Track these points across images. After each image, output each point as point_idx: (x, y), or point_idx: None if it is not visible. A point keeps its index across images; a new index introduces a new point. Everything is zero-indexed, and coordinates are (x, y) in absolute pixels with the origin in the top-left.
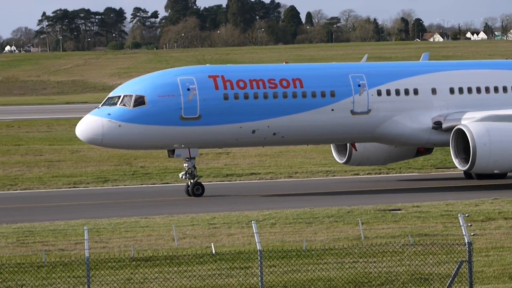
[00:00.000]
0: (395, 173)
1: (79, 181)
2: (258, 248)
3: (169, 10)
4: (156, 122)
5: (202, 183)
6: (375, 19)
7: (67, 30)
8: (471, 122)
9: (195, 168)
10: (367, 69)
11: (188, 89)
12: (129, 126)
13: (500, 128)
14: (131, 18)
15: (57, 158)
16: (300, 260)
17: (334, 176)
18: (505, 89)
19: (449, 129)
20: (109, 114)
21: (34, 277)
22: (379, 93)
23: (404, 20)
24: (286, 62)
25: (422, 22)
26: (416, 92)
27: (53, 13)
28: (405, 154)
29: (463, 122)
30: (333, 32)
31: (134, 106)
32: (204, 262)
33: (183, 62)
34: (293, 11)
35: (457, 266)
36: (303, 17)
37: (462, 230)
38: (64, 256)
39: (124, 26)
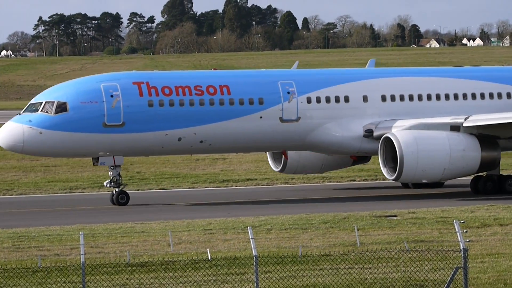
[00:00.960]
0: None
1: (75, 186)
2: (254, 254)
3: (166, 15)
4: (79, 129)
5: (127, 192)
6: (371, 25)
7: (63, 34)
8: (399, 131)
9: (120, 176)
10: (296, 76)
11: (112, 96)
12: (51, 133)
13: (428, 137)
14: (127, 23)
15: (53, 163)
16: (296, 266)
17: (330, 182)
18: (438, 97)
19: (380, 137)
20: (30, 121)
21: (29, 282)
22: (309, 100)
23: (400, 26)
24: (214, 69)
25: (419, 28)
26: (347, 99)
27: (49, 17)
28: (342, 162)
29: (393, 130)
30: (329, 38)
31: (56, 112)
32: (199, 267)
33: (180, 67)
34: (289, 17)
35: (452, 272)
36: (299, 23)
37: (457, 236)
38: (59, 261)
39: (121, 31)
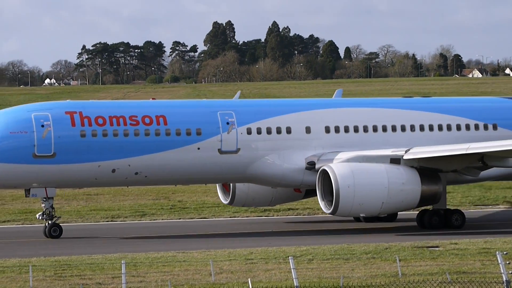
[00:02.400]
0: None
1: (117, 214)
2: (295, 284)
3: (208, 44)
4: (8, 159)
5: (60, 224)
6: (413, 55)
7: (106, 63)
8: (336, 163)
9: (53, 208)
10: (237, 106)
11: (43, 126)
12: None
13: (367, 170)
14: (170, 52)
15: (96, 191)
16: None
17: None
18: (384, 129)
19: None
20: None
21: None
22: (249, 131)
23: (443, 56)
24: (153, 98)
25: (461, 58)
26: (289, 130)
27: (92, 46)
28: (293, 195)
29: (333, 162)
30: (371, 67)
31: None
32: None
33: (222, 96)
34: (331, 46)
35: None
36: (341, 52)
37: (500, 268)
38: None
39: (163, 59)
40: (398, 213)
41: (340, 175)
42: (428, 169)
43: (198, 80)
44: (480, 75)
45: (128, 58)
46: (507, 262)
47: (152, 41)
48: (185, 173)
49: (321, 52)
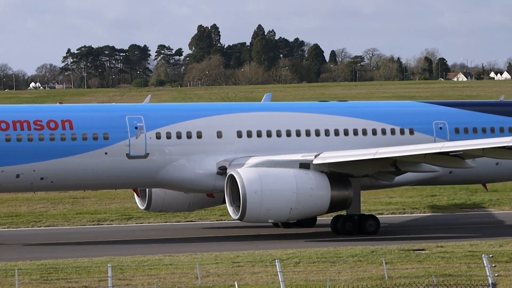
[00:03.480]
0: (419, 213)
1: (103, 218)
2: (281, 287)
3: (194, 48)
4: None
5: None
6: (398, 58)
7: (91, 67)
8: (243, 168)
9: None
10: (146, 110)
11: None
12: None
13: (275, 175)
14: (155, 56)
15: (82, 195)
16: None
17: None
18: (298, 133)
19: None
20: None
21: None
22: (158, 136)
23: (427, 60)
24: (60, 103)
25: (446, 61)
26: (199, 135)
27: (77, 50)
28: (211, 200)
29: (242, 167)
30: (357, 71)
31: None
32: None
33: (207, 99)
34: (317, 50)
35: None
36: (327, 56)
37: (486, 271)
38: None
39: (149, 63)
40: (318, 218)
41: (247, 180)
42: (338, 174)
43: (184, 84)
44: (465, 79)
45: (114, 62)
46: (493, 265)
47: (137, 44)
48: (92, 178)
49: (306, 55)
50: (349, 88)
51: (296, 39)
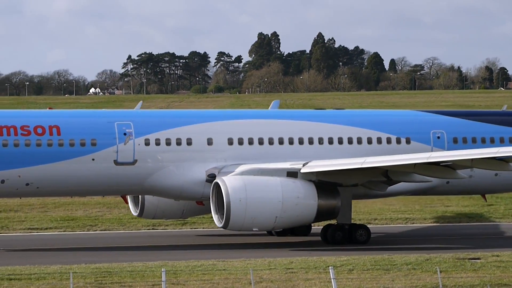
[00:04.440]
0: (476, 221)
1: (158, 223)
2: None
3: (253, 55)
4: None
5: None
6: (459, 67)
7: (151, 73)
8: (229, 176)
9: None
10: (136, 117)
11: None
12: None
13: (260, 183)
14: (215, 62)
15: None
16: None
17: (413, 223)
18: (291, 141)
19: None
20: None
21: None
22: (147, 142)
23: (488, 69)
24: (50, 108)
25: (507, 71)
26: (189, 142)
27: (138, 56)
28: (205, 207)
29: (228, 175)
30: (416, 80)
31: None
32: None
33: (265, 106)
34: (376, 58)
35: None
36: (386, 64)
37: None
38: None
39: (208, 70)
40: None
41: (232, 188)
42: (326, 183)
43: (242, 91)
44: None
45: (173, 68)
46: None
47: (197, 51)
48: (79, 185)
49: (366, 63)
50: (408, 96)
51: (356, 47)
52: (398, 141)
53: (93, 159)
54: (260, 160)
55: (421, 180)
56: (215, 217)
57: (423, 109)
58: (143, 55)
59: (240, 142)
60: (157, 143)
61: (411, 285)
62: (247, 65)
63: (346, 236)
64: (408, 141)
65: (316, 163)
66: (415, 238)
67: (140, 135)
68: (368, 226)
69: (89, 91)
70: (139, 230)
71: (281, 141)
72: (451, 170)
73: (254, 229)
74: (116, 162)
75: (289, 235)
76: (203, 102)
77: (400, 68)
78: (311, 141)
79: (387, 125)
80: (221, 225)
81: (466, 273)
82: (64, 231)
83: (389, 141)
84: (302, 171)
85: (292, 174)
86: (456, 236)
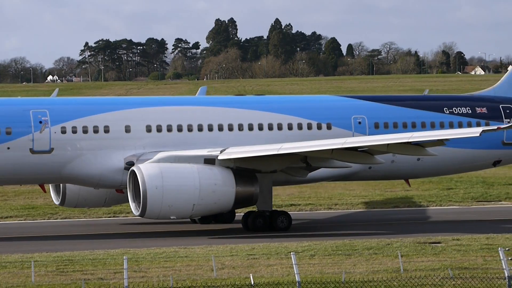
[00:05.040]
0: (436, 206)
1: (119, 210)
2: (297, 279)
3: (211, 41)
4: None
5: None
6: (416, 52)
7: (109, 60)
8: (145, 164)
9: None
10: (52, 104)
11: None
12: None
13: (177, 170)
14: (172, 49)
15: None
16: None
17: (374, 208)
18: (210, 128)
19: None
20: None
21: None
22: (63, 130)
23: (445, 53)
24: None
25: (464, 55)
26: (107, 130)
27: (95, 43)
28: (127, 195)
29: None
30: (374, 65)
31: None
32: None
33: (224, 92)
34: (334, 43)
35: None
36: (344, 49)
37: (502, 264)
38: (103, 285)
39: (166, 56)
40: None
41: (148, 176)
42: (245, 170)
43: (201, 77)
44: (482, 73)
45: (131, 55)
46: (509, 258)
47: (154, 38)
48: None
49: (323, 49)
50: (366, 81)
51: (313, 33)
52: (319, 126)
53: (8, 148)
54: (180, 147)
55: (340, 166)
56: (132, 205)
57: (381, 94)
58: (100, 42)
59: (159, 129)
60: (74, 131)
61: (373, 269)
62: (204, 52)
63: (267, 223)
64: (329, 127)
65: (234, 150)
66: (376, 223)
67: (56, 123)
68: (327, 210)
69: (46, 79)
70: (100, 218)
71: (200, 128)
72: (368, 155)
73: (172, 217)
74: (32, 151)
75: (213, 222)
76: (161, 88)
77: (357, 53)
78: (230, 128)
79: (307, 111)
80: (138, 213)
81: (427, 257)
82: (24, 220)
83: (309, 126)
84: (219, 158)
85: (210, 161)
86: (417, 220)
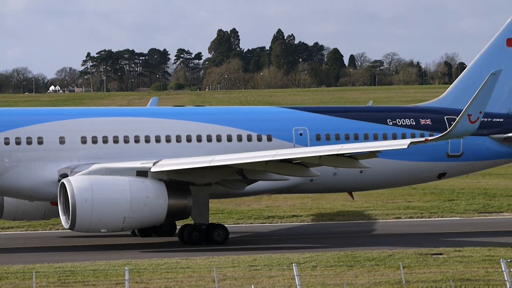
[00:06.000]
0: (437, 217)
1: None
2: None
3: (213, 52)
4: None
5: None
6: (418, 63)
7: (111, 70)
8: (76, 176)
9: None
10: None
11: None
12: None
13: (108, 183)
14: (174, 59)
15: None
16: None
17: (376, 219)
18: (147, 139)
19: None
20: None
21: None
22: None
23: (447, 64)
24: None
25: (466, 65)
26: (40, 141)
27: (97, 53)
28: None
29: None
30: (376, 75)
31: None
32: None
33: (226, 103)
34: (336, 54)
35: None
36: (346, 60)
37: (504, 275)
38: None
39: (168, 67)
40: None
41: (78, 189)
42: (178, 182)
43: (203, 88)
44: None
45: (133, 65)
46: (511, 270)
47: (156, 48)
48: None
49: (325, 59)
50: (368, 92)
51: (316, 44)
52: (259, 138)
53: None
54: (115, 159)
55: (277, 178)
56: (62, 218)
57: (383, 105)
58: (102, 52)
59: (94, 141)
60: (6, 142)
61: (375, 281)
62: (207, 62)
63: (203, 236)
64: (269, 139)
65: (167, 162)
66: (378, 234)
67: None
68: (328, 222)
69: (48, 89)
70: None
71: (137, 140)
72: (303, 167)
73: (102, 230)
74: None
75: (154, 235)
76: (163, 99)
77: (359, 64)
78: (168, 139)
79: (248, 122)
80: (68, 226)
81: (428, 268)
82: (26, 230)
83: (249, 138)
84: (152, 170)
85: (142, 173)
86: (418, 231)
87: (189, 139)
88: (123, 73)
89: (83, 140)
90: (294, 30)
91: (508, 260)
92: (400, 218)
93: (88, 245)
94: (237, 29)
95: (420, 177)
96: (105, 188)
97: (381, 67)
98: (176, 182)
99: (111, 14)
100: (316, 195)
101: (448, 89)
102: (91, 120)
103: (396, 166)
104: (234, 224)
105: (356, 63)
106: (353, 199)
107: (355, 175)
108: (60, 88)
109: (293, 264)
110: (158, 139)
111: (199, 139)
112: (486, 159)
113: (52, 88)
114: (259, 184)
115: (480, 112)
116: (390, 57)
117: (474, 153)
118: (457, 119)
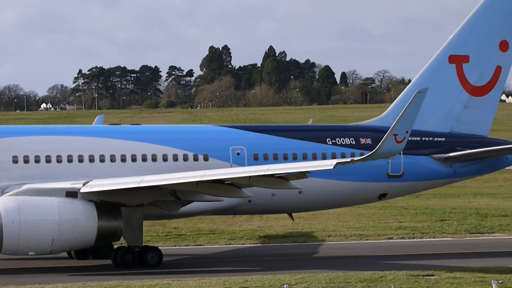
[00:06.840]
0: (429, 237)
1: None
2: None
3: (204, 69)
4: None
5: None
6: (409, 80)
7: (102, 87)
8: (3, 197)
9: None
10: None
11: None
12: None
13: (36, 204)
14: (166, 77)
15: None
16: None
17: (367, 240)
18: (81, 159)
19: None
20: None
21: None
22: None
23: None
24: None
25: None
26: None
27: (89, 70)
28: None
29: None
30: (367, 93)
31: None
32: None
33: (218, 121)
34: (327, 71)
35: None
36: (337, 77)
37: None
38: None
39: (160, 84)
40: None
41: (5, 210)
42: (109, 203)
43: (194, 105)
44: None
45: (125, 83)
46: None
47: (148, 65)
48: None
49: (317, 77)
50: (360, 110)
51: (307, 61)
52: (196, 158)
53: None
54: (48, 179)
55: (210, 199)
56: None
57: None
58: (94, 69)
59: (26, 160)
60: None
61: None
62: (198, 79)
63: (137, 258)
64: (206, 158)
65: (96, 183)
66: (370, 255)
67: None
68: (320, 242)
69: (40, 107)
70: None
71: (70, 159)
72: (235, 188)
73: (30, 253)
74: None
75: (91, 257)
76: (155, 117)
77: (351, 81)
78: (102, 159)
79: (184, 142)
80: None
81: None
82: None
83: (185, 158)
84: (81, 190)
85: (72, 194)
86: (409, 252)
87: (123, 159)
88: (114, 91)
89: (15, 160)
90: (285, 47)
91: (500, 282)
92: (392, 238)
93: (80, 266)
94: (228, 46)
95: (361, 197)
96: (33, 209)
97: (373, 85)
98: (107, 203)
99: (102, 31)
100: (307, 214)
101: (390, 107)
102: (24, 139)
103: (335, 187)
104: (225, 244)
105: (348, 80)
106: (293, 220)
107: (294, 196)
108: (52, 106)
109: (285, 285)
110: (92, 159)
111: (134, 158)
112: (427, 179)
113: (43, 106)
114: (195, 205)
115: (407, 132)
116: (382, 74)
117: (415, 174)
118: (383, 139)
